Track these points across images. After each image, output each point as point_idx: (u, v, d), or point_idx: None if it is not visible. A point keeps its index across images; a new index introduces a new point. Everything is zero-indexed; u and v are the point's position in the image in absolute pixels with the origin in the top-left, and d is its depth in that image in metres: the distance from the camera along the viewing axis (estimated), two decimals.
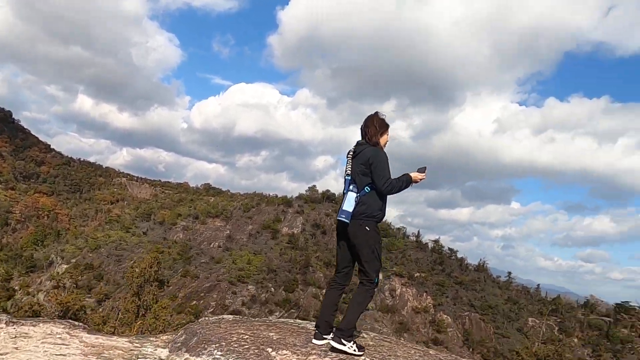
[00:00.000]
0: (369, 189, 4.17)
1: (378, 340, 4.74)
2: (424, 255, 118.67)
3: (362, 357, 3.99)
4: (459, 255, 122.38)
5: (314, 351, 3.99)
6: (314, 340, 4.27)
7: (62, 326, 4.75)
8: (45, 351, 3.86)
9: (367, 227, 4.14)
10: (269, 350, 3.94)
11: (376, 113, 4.40)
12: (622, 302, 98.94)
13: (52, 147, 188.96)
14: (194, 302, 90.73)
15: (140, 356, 4.13)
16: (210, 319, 5.18)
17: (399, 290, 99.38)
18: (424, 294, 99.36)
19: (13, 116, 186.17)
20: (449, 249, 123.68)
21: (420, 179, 4.33)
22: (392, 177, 4.17)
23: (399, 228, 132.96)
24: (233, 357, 3.81)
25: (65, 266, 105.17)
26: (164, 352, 4.45)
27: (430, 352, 4.65)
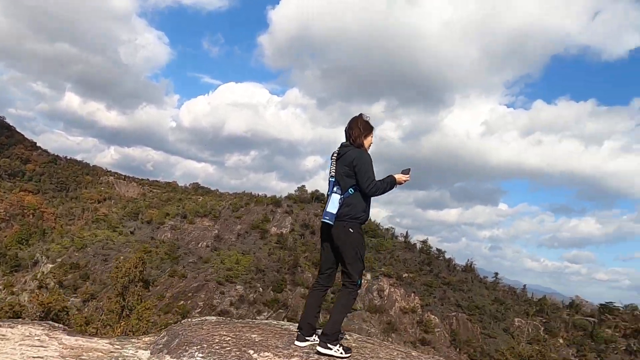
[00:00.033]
0: (352, 190, 4.17)
1: (361, 342, 4.74)
2: (412, 255, 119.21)
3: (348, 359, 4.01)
4: (447, 256, 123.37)
5: (296, 353, 3.98)
6: (296, 342, 4.26)
7: (42, 328, 4.69)
8: (22, 353, 3.80)
9: (350, 229, 4.14)
10: (251, 352, 3.92)
11: (360, 115, 4.40)
12: (606, 302, 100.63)
13: (38, 144, 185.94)
14: (182, 302, 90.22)
15: (120, 358, 4.09)
16: (193, 320, 5.14)
17: (387, 291, 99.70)
18: (412, 294, 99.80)
19: None
20: (437, 249, 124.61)
21: (405, 181, 4.34)
22: (377, 178, 4.19)
23: (387, 228, 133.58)
24: (214, 359, 3.78)
25: (51, 265, 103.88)
26: (145, 354, 4.40)
27: (413, 353, 4.66)
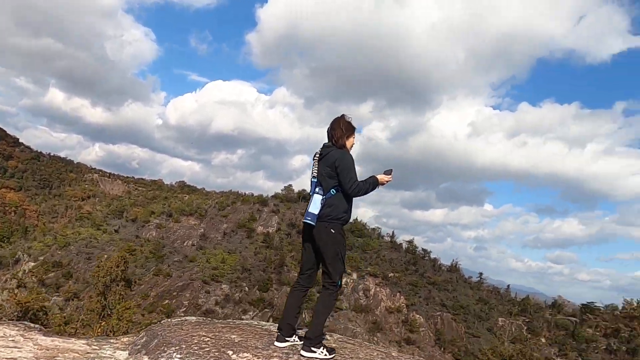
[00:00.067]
0: (334, 191, 4.18)
1: (341, 342, 4.75)
2: (398, 255, 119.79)
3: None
4: (433, 256, 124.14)
5: (275, 354, 3.97)
6: (276, 343, 4.26)
7: (17, 328, 4.60)
8: None
9: (332, 230, 4.16)
10: (230, 353, 3.89)
11: (342, 116, 4.41)
12: (587, 302, 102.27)
13: (20, 141, 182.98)
14: (166, 301, 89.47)
15: (96, 359, 4.03)
16: (173, 320, 5.10)
17: (372, 290, 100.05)
18: (398, 293, 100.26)
19: None
20: (423, 249, 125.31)
21: (387, 181, 4.37)
22: (361, 179, 4.21)
23: (374, 228, 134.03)
24: None
25: (33, 264, 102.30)
26: (123, 355, 4.35)
27: (393, 353, 4.68)
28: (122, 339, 4.94)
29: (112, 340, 4.86)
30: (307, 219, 4.16)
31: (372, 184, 4.25)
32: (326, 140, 4.39)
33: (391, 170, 4.38)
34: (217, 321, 5.12)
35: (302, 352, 4.02)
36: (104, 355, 4.21)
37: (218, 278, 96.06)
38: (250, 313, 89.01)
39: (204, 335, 4.34)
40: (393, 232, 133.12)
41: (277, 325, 4.75)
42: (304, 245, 4.41)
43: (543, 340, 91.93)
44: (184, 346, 4.01)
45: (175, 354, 3.89)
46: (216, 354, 3.86)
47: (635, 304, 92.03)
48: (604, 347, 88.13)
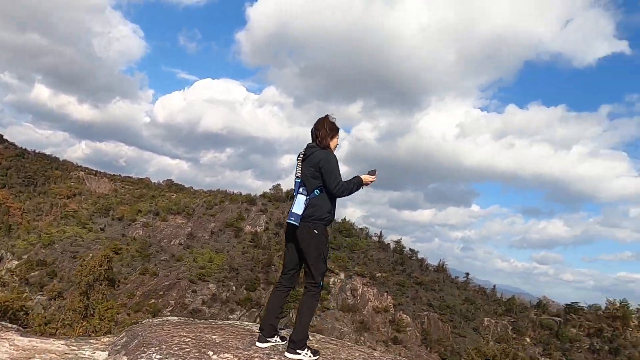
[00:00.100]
0: (318, 191, 4.18)
1: (324, 343, 4.74)
2: (386, 255, 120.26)
3: None
4: (420, 256, 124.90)
5: (256, 354, 3.95)
6: (257, 343, 4.24)
7: None
8: None
9: (315, 230, 4.15)
10: (210, 353, 3.87)
11: (327, 116, 4.40)
12: (571, 302, 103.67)
13: (5, 137, 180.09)
14: (153, 300, 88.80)
15: (75, 359, 3.98)
16: (154, 320, 5.05)
17: (360, 290, 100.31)
18: (385, 293, 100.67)
19: None
20: (410, 249, 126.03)
21: (371, 181, 4.37)
22: (345, 179, 4.21)
23: (361, 228, 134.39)
24: None
25: (16, 262, 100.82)
26: (102, 355, 4.30)
27: (375, 354, 4.69)
28: (102, 340, 4.89)
29: (92, 341, 4.80)
30: (291, 220, 4.15)
31: (356, 184, 4.26)
32: (310, 141, 4.39)
33: (375, 170, 4.39)
34: (198, 321, 5.08)
35: (287, 354, 4.01)
36: (83, 355, 4.16)
37: (205, 277, 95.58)
38: (238, 312, 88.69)
39: (185, 336, 4.31)
40: (381, 232, 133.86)
41: (259, 325, 4.73)
42: (287, 245, 4.40)
43: (528, 340, 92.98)
44: (164, 346, 3.97)
45: (155, 354, 3.85)
46: (196, 354, 3.83)
47: (617, 304, 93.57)
48: (587, 346, 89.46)
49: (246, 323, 5.31)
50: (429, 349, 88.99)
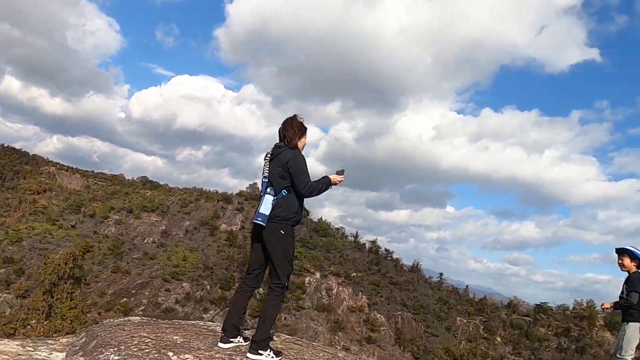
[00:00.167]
0: (286, 192, 4.15)
1: (288, 343, 4.73)
2: (361, 255, 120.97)
3: None
4: (395, 256, 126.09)
5: (218, 355, 3.90)
6: (219, 344, 4.19)
7: None
8: None
9: (282, 231, 4.13)
10: (170, 354, 3.80)
11: (294, 116, 4.38)
12: (541, 303, 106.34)
13: None
14: (124, 299, 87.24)
15: None
16: (115, 320, 4.94)
17: (335, 290, 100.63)
18: (360, 293, 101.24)
19: None
20: (386, 249, 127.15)
21: (340, 181, 4.37)
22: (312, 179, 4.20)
23: (337, 228, 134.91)
24: None
25: None
26: (59, 356, 4.19)
27: (339, 354, 4.70)
28: (61, 340, 4.77)
29: (50, 341, 4.68)
30: (258, 220, 4.11)
31: (325, 184, 4.26)
32: (277, 140, 4.37)
33: (343, 170, 4.40)
34: (161, 321, 4.99)
35: (249, 355, 3.97)
36: (38, 357, 4.04)
37: (179, 276, 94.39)
38: (212, 312, 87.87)
39: (145, 336, 4.22)
40: (357, 232, 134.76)
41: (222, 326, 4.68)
42: (253, 245, 4.37)
43: (499, 339, 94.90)
44: (122, 347, 3.89)
45: (113, 355, 3.76)
46: (156, 355, 3.75)
47: (585, 304, 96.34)
48: (555, 345, 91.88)
49: (210, 323, 5.25)
50: (402, 348, 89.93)
